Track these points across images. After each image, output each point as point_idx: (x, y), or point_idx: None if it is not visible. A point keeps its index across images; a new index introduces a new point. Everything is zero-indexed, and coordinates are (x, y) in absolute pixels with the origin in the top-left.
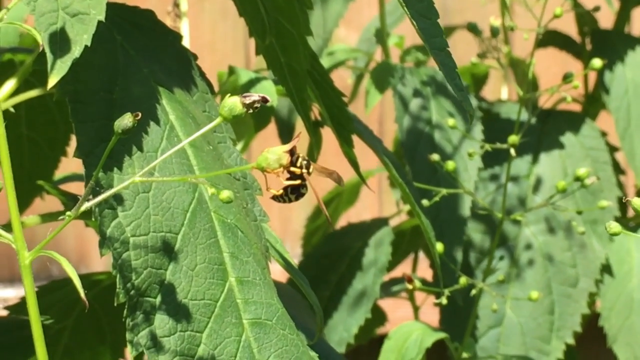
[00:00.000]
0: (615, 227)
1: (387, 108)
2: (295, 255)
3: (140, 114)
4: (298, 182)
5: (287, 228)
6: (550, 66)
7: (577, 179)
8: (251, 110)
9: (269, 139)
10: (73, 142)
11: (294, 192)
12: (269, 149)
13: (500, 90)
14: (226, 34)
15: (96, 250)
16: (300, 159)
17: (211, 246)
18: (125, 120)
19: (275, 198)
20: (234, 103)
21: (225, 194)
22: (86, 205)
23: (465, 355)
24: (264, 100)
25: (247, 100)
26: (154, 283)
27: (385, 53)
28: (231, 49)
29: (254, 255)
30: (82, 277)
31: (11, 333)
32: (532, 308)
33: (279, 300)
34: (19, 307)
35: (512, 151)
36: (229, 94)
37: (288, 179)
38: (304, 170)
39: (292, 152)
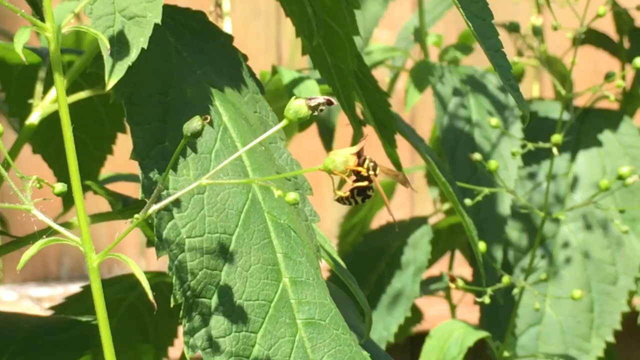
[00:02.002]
0: None
1: (420, 107)
2: None
3: (209, 118)
4: (365, 183)
5: (320, 226)
6: (582, 63)
7: (620, 177)
8: (316, 113)
9: (302, 140)
10: (119, 140)
11: (360, 194)
12: (336, 151)
13: (532, 88)
14: (258, 33)
15: (131, 246)
16: (367, 161)
17: (265, 247)
18: (195, 124)
19: (340, 200)
20: (299, 106)
21: (292, 195)
22: (154, 208)
23: (506, 353)
24: (329, 102)
25: (312, 103)
26: (209, 284)
27: (424, 52)
28: (263, 48)
29: (306, 255)
30: (126, 277)
31: (60, 333)
32: (572, 306)
33: (332, 300)
34: (64, 307)
35: (555, 150)
36: (294, 96)
37: (355, 181)
38: (371, 172)
39: (359, 154)
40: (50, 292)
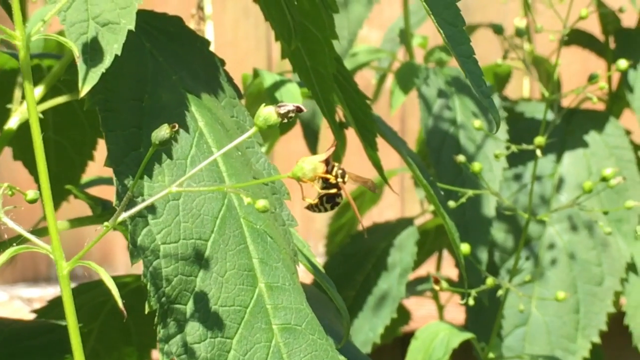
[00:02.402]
0: None
1: (410, 106)
2: (318, 254)
3: (177, 125)
4: (334, 191)
5: (310, 227)
6: (571, 63)
7: (604, 179)
8: (286, 120)
9: (291, 140)
10: (100, 146)
11: (329, 201)
12: (304, 159)
13: (523, 86)
14: (248, 32)
15: (119, 251)
16: (335, 168)
17: (241, 252)
18: (163, 132)
19: (310, 207)
20: (269, 113)
21: (261, 203)
22: (124, 215)
23: (491, 355)
24: (299, 109)
25: (282, 110)
26: (184, 290)
27: (410, 53)
28: (253, 48)
29: (283, 260)
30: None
31: (39, 337)
32: (558, 307)
33: (308, 305)
34: (46, 311)
35: (539, 152)
36: (263, 104)
37: (323, 188)
38: (339, 180)
39: (327, 161)
40: (41, 293)
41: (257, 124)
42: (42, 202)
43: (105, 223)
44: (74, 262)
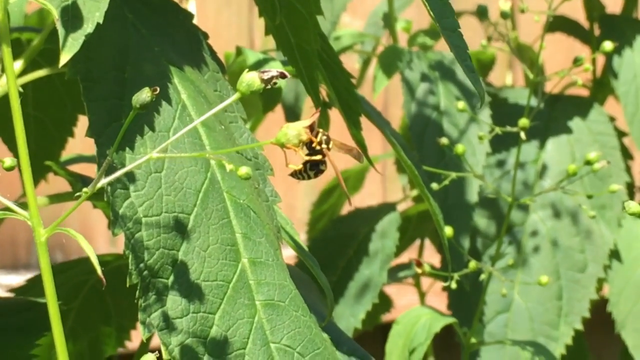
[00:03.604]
0: (634, 207)
1: (392, 93)
2: None
3: (158, 89)
4: (318, 157)
5: (292, 216)
6: (556, 53)
7: (587, 163)
8: (269, 86)
9: (273, 128)
10: (80, 122)
11: (313, 168)
12: (288, 125)
13: (505, 77)
14: (230, 20)
15: (101, 234)
16: (320, 135)
17: (224, 227)
18: (144, 95)
19: (294, 174)
20: (252, 78)
21: (244, 170)
22: (101, 183)
23: (473, 340)
24: (282, 75)
25: (266, 76)
26: (166, 264)
27: (393, 37)
28: (235, 35)
29: (266, 236)
30: (88, 260)
31: (17, 315)
32: (540, 293)
33: (292, 282)
34: (24, 289)
35: (522, 134)
36: (246, 69)
37: (307, 155)
38: (324, 146)
39: (311, 127)
40: (20, 280)
41: (240, 90)
42: (20, 172)
43: (84, 189)
44: (51, 228)
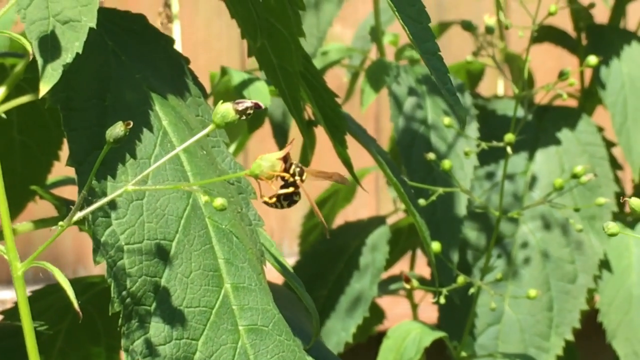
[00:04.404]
0: (613, 227)
1: (384, 105)
2: (293, 254)
3: (132, 123)
4: (291, 190)
5: (285, 226)
6: (545, 61)
7: (574, 176)
8: (244, 117)
9: (265, 139)
10: (65, 145)
11: (286, 199)
12: (263, 156)
13: (497, 86)
14: (221, 32)
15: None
16: (293, 166)
17: (206, 252)
18: (117, 129)
19: (268, 205)
20: (226, 110)
21: (219, 201)
22: (79, 215)
23: (464, 353)
24: (257, 106)
25: (240, 107)
26: (149, 291)
27: (380, 51)
28: (226, 47)
29: (249, 260)
30: (77, 280)
31: (5, 339)
32: (531, 305)
33: (275, 306)
34: (14, 313)
35: (509, 149)
36: (221, 101)
37: (282, 187)
38: (297, 178)
39: (285, 158)
40: (14, 295)
41: (215, 121)
42: (15, 201)
43: (61, 223)
44: (28, 263)
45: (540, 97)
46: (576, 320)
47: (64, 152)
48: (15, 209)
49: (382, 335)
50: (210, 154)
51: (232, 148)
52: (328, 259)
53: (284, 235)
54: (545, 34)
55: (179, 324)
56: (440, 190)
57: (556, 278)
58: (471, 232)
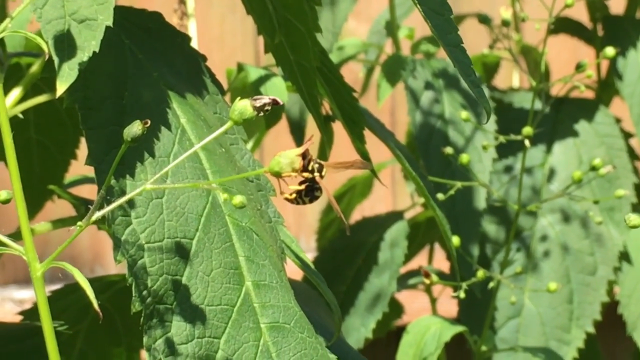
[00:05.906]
0: (635, 219)
1: (399, 99)
2: (310, 249)
3: (149, 121)
4: (310, 185)
5: (302, 222)
6: (561, 52)
7: (593, 168)
8: (262, 113)
9: (280, 135)
10: (83, 144)
11: (307, 195)
12: (282, 153)
13: (512, 78)
14: (235, 28)
15: (111, 252)
16: (312, 162)
17: (226, 250)
18: (135, 128)
19: (289, 201)
20: (244, 107)
21: (238, 199)
22: (98, 214)
23: (484, 347)
24: (275, 102)
25: (258, 103)
26: (170, 289)
27: (396, 45)
28: (240, 44)
29: (269, 258)
30: (96, 280)
31: (25, 340)
32: (551, 298)
33: (296, 303)
34: (33, 313)
35: (527, 142)
36: (239, 97)
37: (301, 182)
38: (317, 174)
39: (304, 155)
40: (33, 295)
41: (233, 118)
42: (33, 200)
43: (79, 223)
44: (47, 263)
45: (557, 89)
46: (597, 312)
47: (82, 151)
48: (33, 208)
49: (401, 330)
50: (228, 151)
51: (249, 145)
52: (346, 254)
53: (300, 230)
54: (561, 25)
55: (200, 323)
56: (459, 184)
57: (576, 270)
58: (490, 226)
